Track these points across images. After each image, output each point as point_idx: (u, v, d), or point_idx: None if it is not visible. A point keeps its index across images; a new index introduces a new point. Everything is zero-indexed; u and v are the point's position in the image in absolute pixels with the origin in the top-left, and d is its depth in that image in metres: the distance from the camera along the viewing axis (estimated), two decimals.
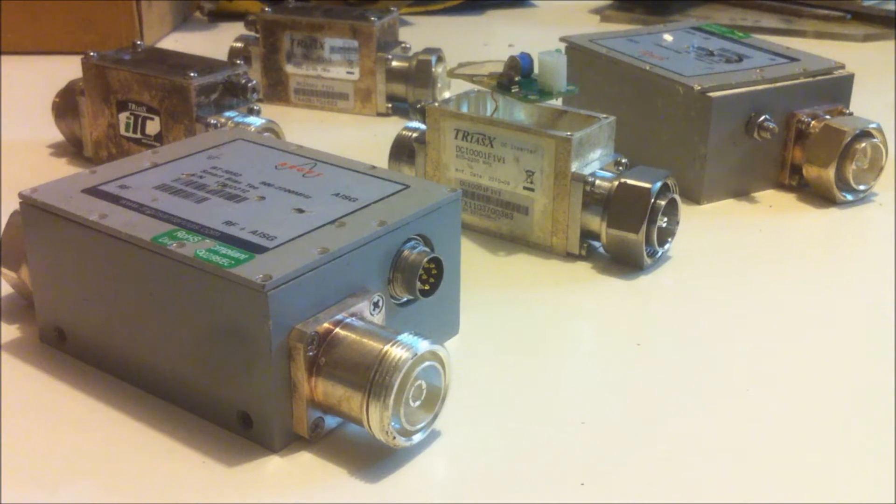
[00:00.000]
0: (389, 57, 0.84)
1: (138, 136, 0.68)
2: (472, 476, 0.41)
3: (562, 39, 0.76)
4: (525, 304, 0.54)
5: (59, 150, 0.75)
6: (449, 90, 0.85)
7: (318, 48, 0.85)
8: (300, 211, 0.45)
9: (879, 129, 0.67)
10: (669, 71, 0.68)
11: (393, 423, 0.39)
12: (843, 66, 0.70)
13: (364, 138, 0.80)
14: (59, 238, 0.46)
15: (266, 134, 0.63)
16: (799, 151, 0.68)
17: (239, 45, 0.88)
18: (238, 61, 0.69)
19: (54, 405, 0.45)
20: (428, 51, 0.84)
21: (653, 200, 0.56)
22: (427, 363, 0.40)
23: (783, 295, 0.56)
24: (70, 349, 0.48)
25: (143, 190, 0.47)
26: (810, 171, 0.68)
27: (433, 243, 0.47)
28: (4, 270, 0.50)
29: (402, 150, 0.64)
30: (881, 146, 0.67)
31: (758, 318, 0.53)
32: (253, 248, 0.41)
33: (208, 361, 0.42)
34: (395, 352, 0.39)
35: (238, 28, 0.95)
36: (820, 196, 0.68)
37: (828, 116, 0.68)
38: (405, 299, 0.46)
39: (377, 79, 0.84)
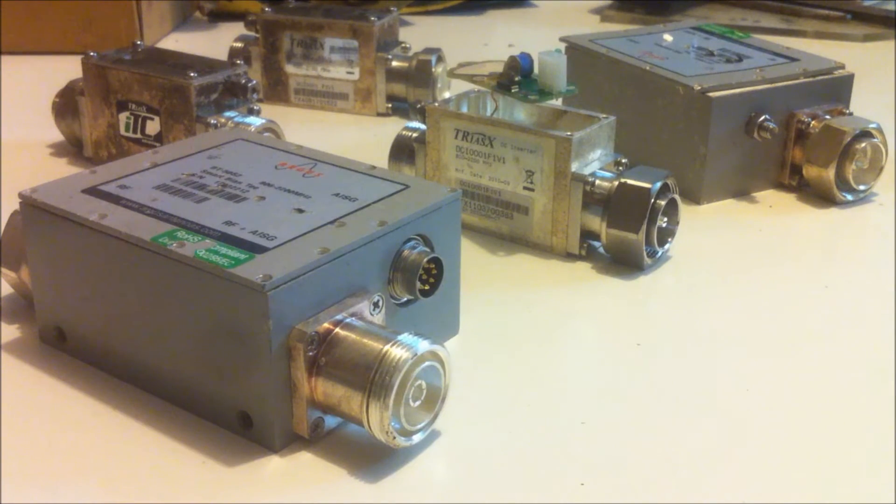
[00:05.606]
0: (389, 57, 0.84)
1: (138, 136, 0.68)
2: (472, 476, 0.41)
3: (562, 39, 0.76)
4: (525, 304, 0.54)
5: (59, 150, 0.75)
6: (449, 90, 0.85)
7: (318, 48, 0.85)
8: (300, 211, 0.45)
9: (879, 129, 0.67)
10: (669, 71, 0.68)
11: (393, 423, 0.39)
12: (843, 66, 0.70)
13: (364, 138, 0.80)
14: (59, 238, 0.46)
15: (266, 134, 0.63)
16: (799, 151, 0.68)
17: (239, 45, 0.88)
18: (238, 61, 0.69)
19: (54, 405, 0.45)
20: (428, 51, 0.84)
21: (653, 200, 0.56)
22: (427, 363, 0.40)
23: (783, 295, 0.56)
24: (70, 349, 0.48)
25: (143, 190, 0.47)
26: (810, 171, 0.67)
27: (433, 243, 0.47)
28: (4, 270, 0.50)
29: (402, 150, 0.64)
30: (881, 146, 0.67)
31: (758, 319, 0.53)
32: (253, 248, 0.41)
33: (208, 361, 0.42)
34: (395, 352, 0.39)
35: (238, 28, 0.95)
36: (820, 196, 0.68)
37: (828, 116, 0.68)
38: (405, 299, 0.46)
39: (377, 79, 0.84)
